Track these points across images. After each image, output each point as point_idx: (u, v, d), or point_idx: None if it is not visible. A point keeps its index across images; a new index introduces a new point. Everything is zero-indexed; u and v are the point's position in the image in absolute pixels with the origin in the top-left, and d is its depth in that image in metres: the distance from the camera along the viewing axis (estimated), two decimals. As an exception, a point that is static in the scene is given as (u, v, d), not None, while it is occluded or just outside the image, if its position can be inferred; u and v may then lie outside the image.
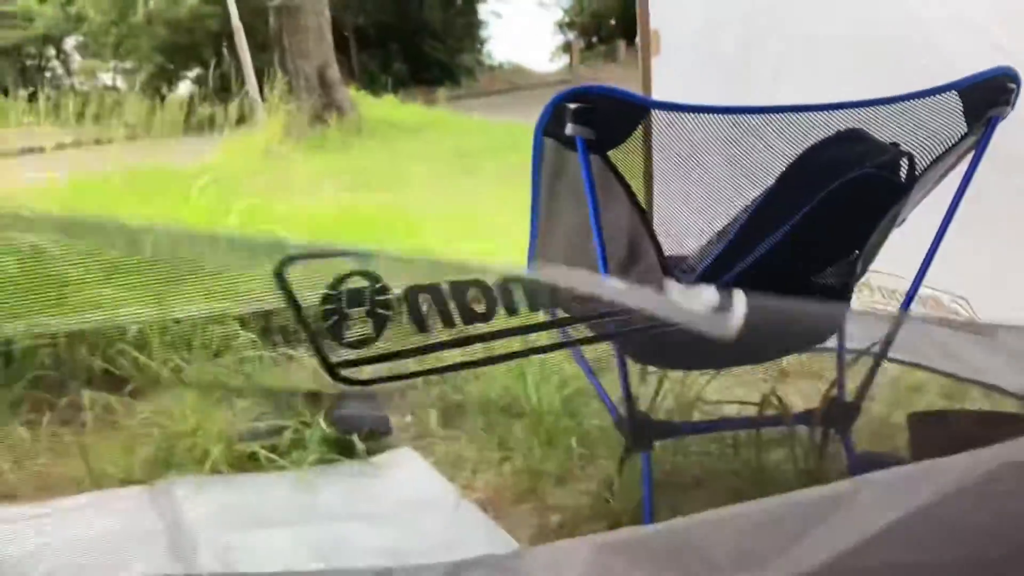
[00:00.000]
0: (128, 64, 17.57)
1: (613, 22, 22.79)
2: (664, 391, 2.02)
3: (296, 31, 10.80)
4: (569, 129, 1.34)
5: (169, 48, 15.67)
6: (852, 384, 1.76)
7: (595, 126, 1.33)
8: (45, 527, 1.84)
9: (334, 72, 11.18)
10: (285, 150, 9.34)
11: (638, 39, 1.87)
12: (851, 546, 0.67)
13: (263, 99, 10.86)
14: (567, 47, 21.98)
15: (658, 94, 1.84)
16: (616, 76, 19.16)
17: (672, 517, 1.74)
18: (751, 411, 2.19)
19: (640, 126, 1.32)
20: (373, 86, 15.22)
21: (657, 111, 1.32)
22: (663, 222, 1.48)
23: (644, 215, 1.43)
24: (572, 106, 1.33)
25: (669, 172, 1.46)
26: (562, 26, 23.68)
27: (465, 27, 19.13)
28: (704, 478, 1.97)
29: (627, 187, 1.41)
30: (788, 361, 2.60)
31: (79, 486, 2.07)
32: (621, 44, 20.37)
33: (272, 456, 2.08)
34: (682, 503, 1.84)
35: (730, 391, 2.41)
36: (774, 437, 1.96)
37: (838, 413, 1.68)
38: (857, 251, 1.57)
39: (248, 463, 2.10)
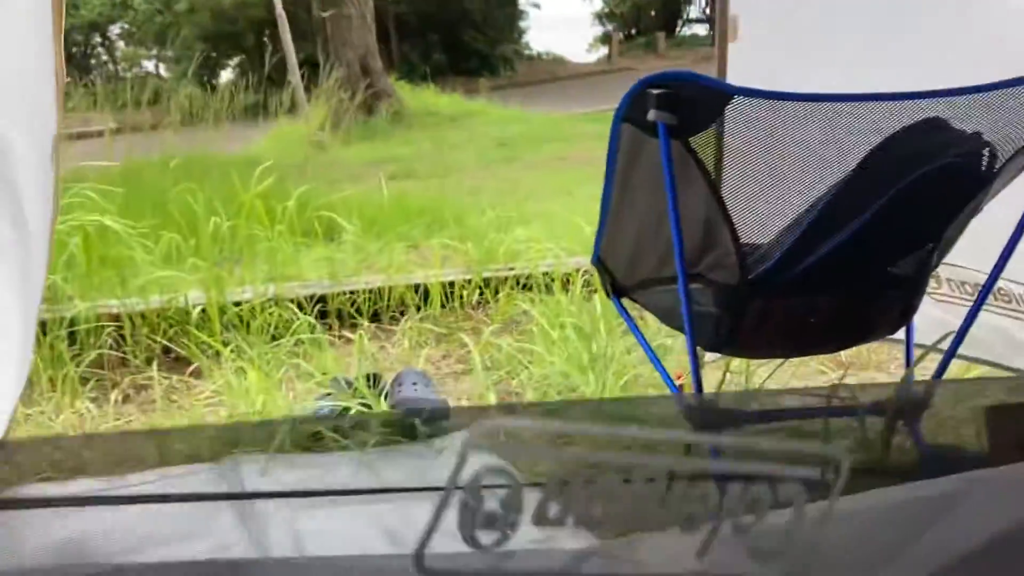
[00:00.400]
0: (171, 52, 17.80)
1: (653, 14, 22.64)
2: (727, 380, 2.02)
3: (339, 19, 10.86)
4: (651, 115, 1.34)
5: (212, 36, 15.85)
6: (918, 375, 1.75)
7: (678, 112, 1.33)
8: (115, 502, 1.89)
9: (376, 61, 11.23)
10: (328, 138, 9.41)
11: (716, 25, 1.86)
12: (973, 547, 0.64)
13: (306, 88, 10.95)
14: (606, 38, 21.86)
15: (733, 80, 1.82)
16: (656, 68, 19.02)
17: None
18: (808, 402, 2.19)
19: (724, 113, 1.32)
20: (413, 75, 15.28)
21: (740, 97, 1.31)
22: (738, 209, 1.48)
23: (721, 202, 1.43)
24: (655, 91, 1.33)
25: (746, 159, 1.45)
26: (601, 17, 23.56)
27: (505, 17, 19.09)
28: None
29: (706, 173, 1.40)
30: (846, 353, 2.59)
31: (146, 463, 2.11)
32: (660, 36, 20.24)
33: (336, 437, 2.11)
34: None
35: (786, 384, 2.40)
36: (837, 428, 1.95)
37: (908, 405, 1.66)
38: (934, 242, 1.55)
39: (311, 443, 2.13)
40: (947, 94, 1.41)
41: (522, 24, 20.26)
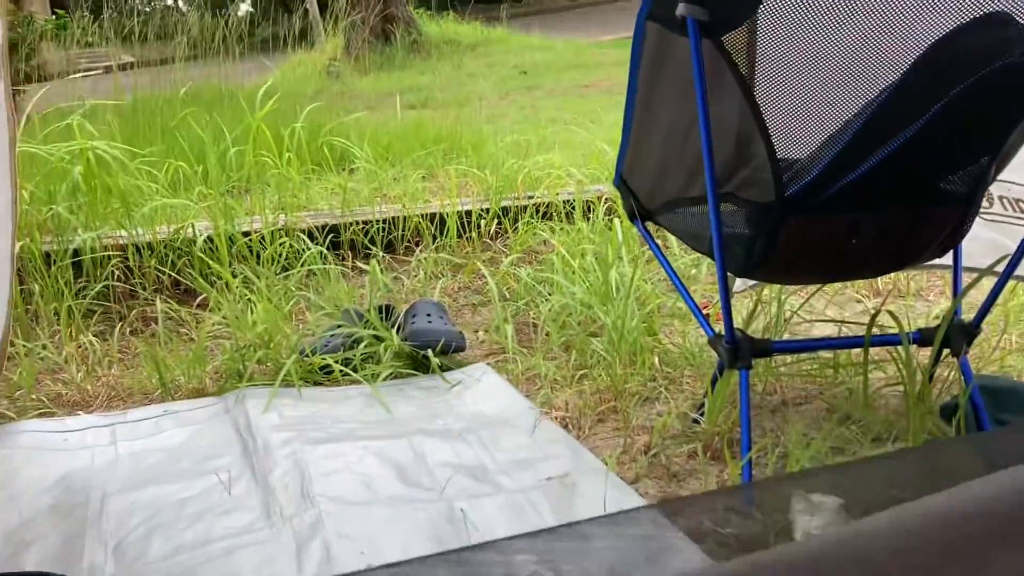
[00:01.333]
0: (187, -16, 17.45)
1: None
2: (758, 309, 1.90)
3: (356, -55, 10.52)
4: (680, 9, 1.20)
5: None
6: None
7: (710, 5, 1.19)
8: (119, 435, 1.82)
9: (394, -12, 10.93)
10: (345, 68, 9.21)
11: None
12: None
13: (323, 16, 10.69)
14: (631, -38, 21.17)
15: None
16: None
17: (766, 440, 1.63)
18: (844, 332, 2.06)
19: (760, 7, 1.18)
20: (431, 2, 14.89)
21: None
22: (775, 119, 1.34)
23: (757, 110, 1.29)
24: (684, -18, 1.19)
25: (784, 63, 1.31)
26: (626, -60, 22.83)
27: (526, -58, 18.50)
28: (799, 399, 1.86)
29: (740, 78, 1.26)
30: (883, 279, 2.45)
31: (150, 396, 2.05)
32: (688, -41, 19.56)
33: (346, 370, 2.02)
34: (777, 425, 1.74)
35: (820, 312, 2.28)
36: (874, 359, 1.83)
37: (955, 334, 1.54)
38: (991, 154, 1.40)
39: (320, 376, 2.05)
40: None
41: (544, -51, 19.61)
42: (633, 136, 1.58)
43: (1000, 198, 1.82)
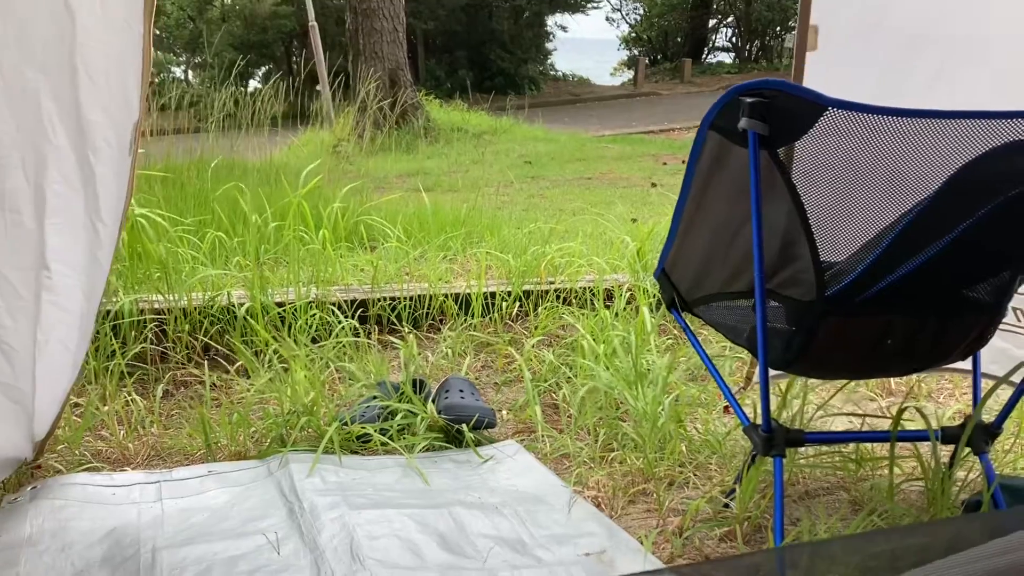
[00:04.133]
0: (199, 59, 17.96)
1: (680, 40, 22.73)
2: (788, 399, 1.99)
3: (371, 33, 10.94)
4: (743, 123, 1.33)
5: (243, 45, 15.98)
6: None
7: (770, 121, 1.32)
8: (165, 492, 1.87)
9: (405, 75, 11.30)
10: (354, 149, 9.45)
11: (795, 34, 1.85)
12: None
13: (334, 99, 11.02)
14: (632, 62, 21.94)
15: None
16: (680, 94, 19.09)
17: (800, 528, 1.70)
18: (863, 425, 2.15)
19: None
20: (439, 90, 15.36)
21: (833, 109, 1.30)
22: (819, 224, 1.46)
23: (804, 215, 1.41)
24: (748, 100, 1.32)
25: (831, 172, 1.44)
26: (628, 41, 23.67)
27: (532, 38, 19.19)
28: (821, 490, 1.94)
29: (791, 185, 1.39)
30: (894, 380, 2.55)
31: (190, 456, 2.10)
32: (687, 62, 20.29)
33: (384, 440, 2.09)
34: (803, 514, 1.81)
35: (837, 407, 2.37)
36: (897, 453, 1.91)
37: (977, 433, 1.64)
38: (1013, 270, 1.53)
39: (357, 445, 2.11)
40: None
41: (548, 45, 20.35)
42: (680, 232, 1.70)
43: (1013, 309, 1.94)
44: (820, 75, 1.81)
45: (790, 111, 1.32)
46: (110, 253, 1.63)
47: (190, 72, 18.49)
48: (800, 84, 1.86)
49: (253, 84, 17.58)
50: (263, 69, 17.84)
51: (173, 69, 18.61)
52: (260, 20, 15.78)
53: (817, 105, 1.30)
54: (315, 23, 11.65)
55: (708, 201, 1.59)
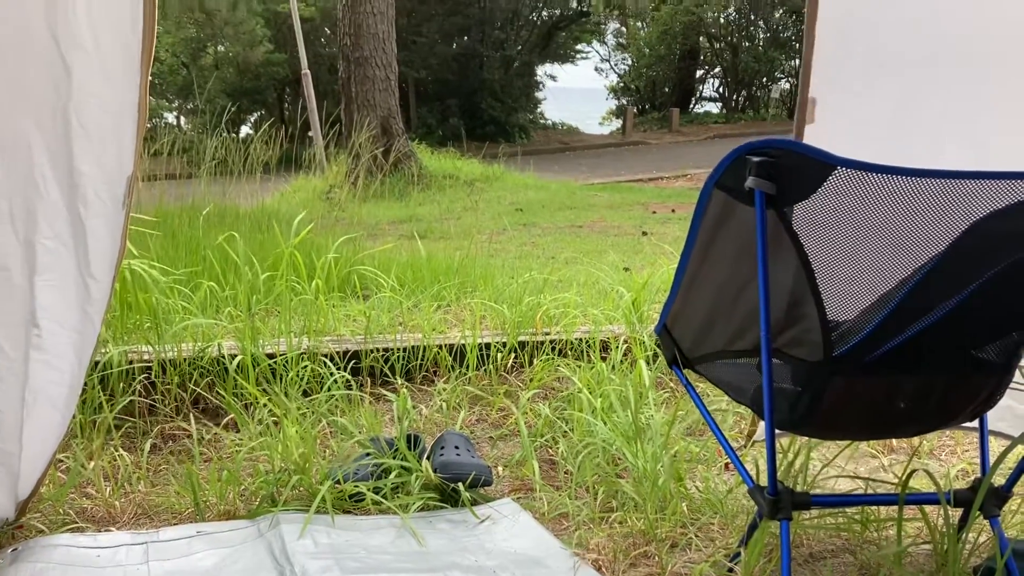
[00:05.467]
0: (191, 105, 18.07)
1: (667, 90, 23.05)
2: (791, 460, 1.95)
3: (364, 81, 11.04)
4: (750, 182, 1.31)
5: (236, 91, 16.11)
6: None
7: (777, 180, 1.30)
8: (152, 554, 1.81)
9: (397, 123, 11.39)
10: (346, 196, 9.46)
11: (796, 108, 1.86)
12: None
13: (327, 145, 11.07)
14: (621, 111, 22.22)
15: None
16: (669, 144, 19.31)
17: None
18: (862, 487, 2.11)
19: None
20: (430, 138, 15.48)
21: (842, 169, 1.28)
22: (826, 284, 1.44)
23: (812, 275, 1.39)
24: (755, 159, 1.30)
25: (837, 231, 1.42)
26: (616, 91, 23.99)
27: (522, 87, 19.43)
28: (825, 552, 1.89)
29: (799, 245, 1.37)
30: (898, 440, 2.52)
31: (178, 515, 2.04)
32: (674, 112, 20.56)
33: (377, 498, 2.03)
34: (810, 579, 1.76)
35: (839, 466, 2.33)
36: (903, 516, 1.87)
37: (988, 496, 1.60)
38: (1021, 330, 1.51)
39: (350, 504, 2.06)
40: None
41: (538, 94, 20.60)
42: (683, 288, 1.67)
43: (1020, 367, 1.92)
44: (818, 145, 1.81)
45: (798, 170, 1.31)
46: (102, 309, 1.59)
47: (182, 118, 18.60)
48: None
49: (245, 130, 17.70)
50: (255, 115, 17.97)
51: (166, 115, 18.71)
52: (253, 67, 15.91)
53: (826, 164, 1.29)
54: (308, 71, 11.77)
55: (712, 258, 1.56)
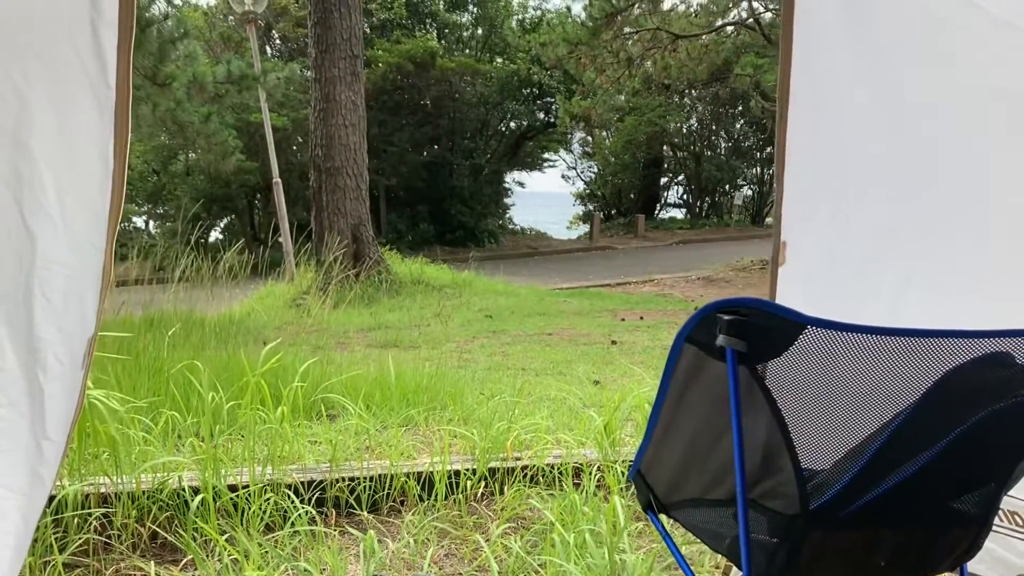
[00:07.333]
0: (161, 210, 18.14)
1: (633, 196, 23.59)
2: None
3: (335, 190, 11.16)
4: (720, 340, 1.31)
5: (205, 198, 16.21)
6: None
7: (747, 338, 1.30)
8: None
9: (368, 230, 11.48)
10: (315, 302, 9.44)
11: (772, 253, 1.89)
12: None
13: (296, 252, 11.10)
14: (588, 217, 22.63)
15: (782, 302, 1.83)
16: (635, 248, 19.63)
17: None
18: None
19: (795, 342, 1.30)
20: (400, 243, 15.60)
21: (812, 328, 1.29)
22: (800, 437, 1.43)
23: (786, 430, 1.38)
24: (725, 317, 1.31)
25: (809, 387, 1.42)
26: (583, 197, 24.49)
27: (491, 194, 19.77)
28: None
29: (772, 401, 1.36)
30: None
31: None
32: (640, 218, 20.98)
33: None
34: None
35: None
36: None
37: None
38: (998, 481, 1.50)
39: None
40: (1016, 334, 1.40)
41: (507, 200, 20.97)
42: (657, 435, 1.65)
43: (1009, 512, 1.91)
44: (790, 287, 1.84)
45: (768, 329, 1.31)
46: (55, 468, 1.53)
47: (151, 222, 18.63)
48: (774, 294, 1.88)
49: (215, 235, 17.74)
50: (225, 220, 18.05)
51: (135, 219, 18.74)
52: (223, 174, 16.06)
53: (795, 324, 1.29)
54: (279, 179, 11.89)
55: (686, 407, 1.55)
